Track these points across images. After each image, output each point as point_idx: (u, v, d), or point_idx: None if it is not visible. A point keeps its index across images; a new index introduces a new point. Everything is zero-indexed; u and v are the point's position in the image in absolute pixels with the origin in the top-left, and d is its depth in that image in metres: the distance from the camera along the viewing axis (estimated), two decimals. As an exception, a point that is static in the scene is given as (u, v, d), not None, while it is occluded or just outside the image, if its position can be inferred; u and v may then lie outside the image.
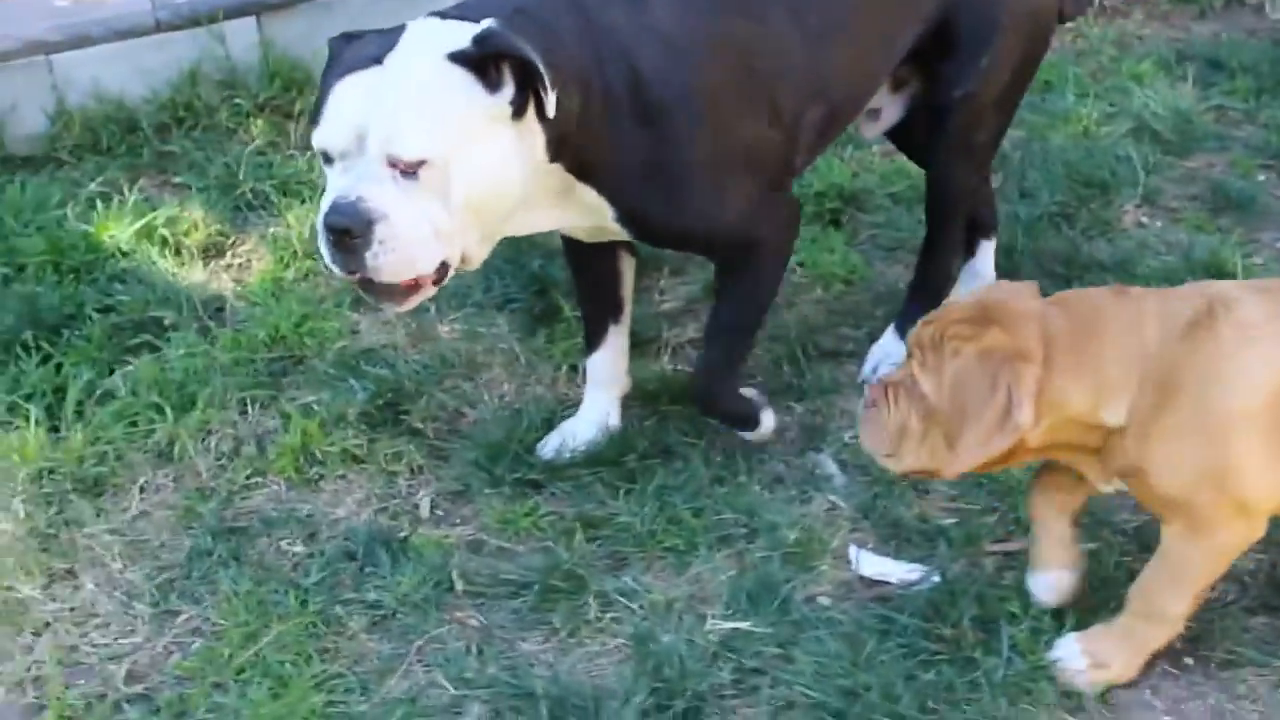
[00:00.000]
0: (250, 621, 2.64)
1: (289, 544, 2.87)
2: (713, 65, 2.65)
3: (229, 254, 3.82)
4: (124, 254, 3.74)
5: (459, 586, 2.73)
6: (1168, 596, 2.40)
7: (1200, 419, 2.22)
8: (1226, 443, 2.23)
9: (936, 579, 2.70)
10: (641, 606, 2.66)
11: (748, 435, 3.04)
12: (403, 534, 2.87)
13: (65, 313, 3.52)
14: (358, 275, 2.45)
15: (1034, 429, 2.27)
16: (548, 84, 2.38)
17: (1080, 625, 2.53)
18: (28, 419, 3.17)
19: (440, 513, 2.95)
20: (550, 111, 2.42)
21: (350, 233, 2.37)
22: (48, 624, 2.71)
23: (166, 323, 3.50)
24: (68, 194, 3.97)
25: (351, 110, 2.39)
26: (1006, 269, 3.57)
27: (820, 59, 2.79)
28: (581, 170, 2.61)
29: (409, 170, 2.36)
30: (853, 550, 2.79)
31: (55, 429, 3.18)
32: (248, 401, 3.22)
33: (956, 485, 2.88)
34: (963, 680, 2.46)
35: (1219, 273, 3.39)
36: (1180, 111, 4.19)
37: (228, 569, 2.78)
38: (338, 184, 2.42)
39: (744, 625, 2.61)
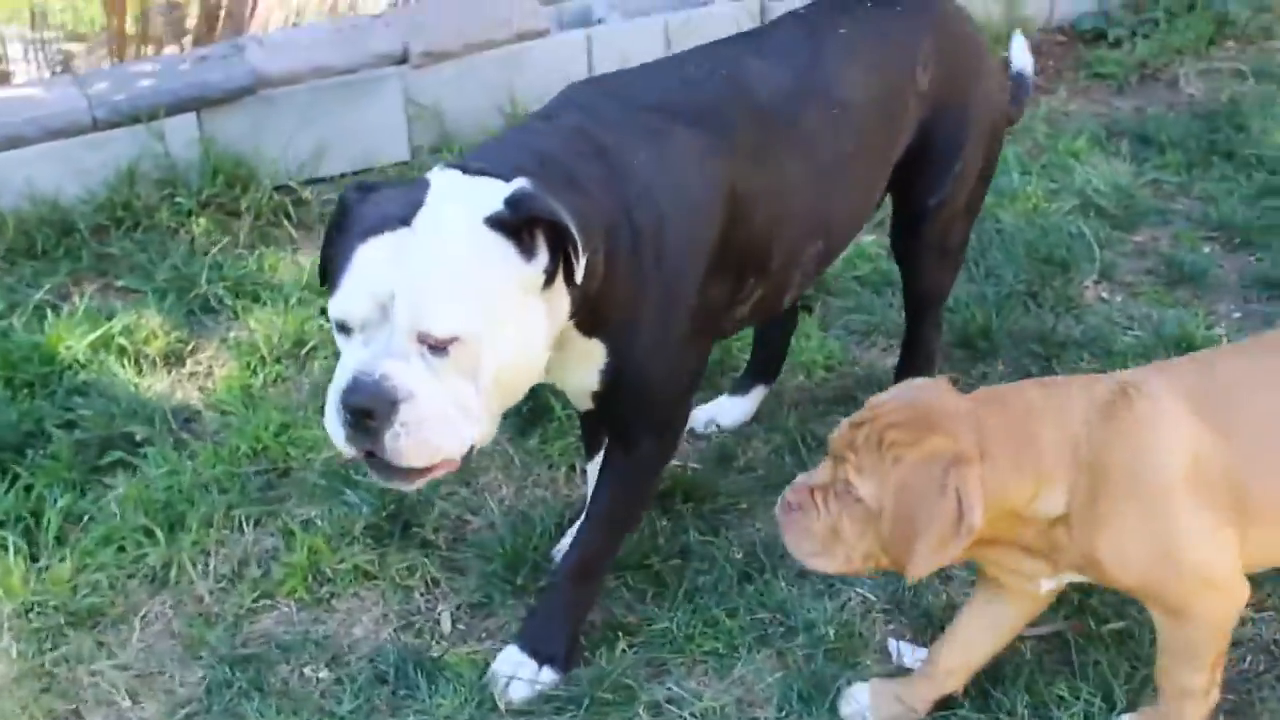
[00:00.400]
0: (287, 757, 2.51)
1: (312, 670, 2.74)
2: (723, 216, 2.58)
3: (190, 361, 3.66)
4: (81, 365, 3.56)
5: (502, 705, 2.63)
6: (1184, 674, 2.42)
7: (1135, 494, 2.27)
8: (1166, 514, 2.28)
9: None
10: (693, 714, 2.60)
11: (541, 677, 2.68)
12: (434, 653, 2.76)
13: (24, 430, 3.33)
14: (365, 452, 2.27)
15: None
16: (579, 250, 2.26)
17: (1130, 705, 2.56)
18: (4, 548, 2.98)
19: (462, 627, 2.85)
20: (579, 279, 2.30)
21: (371, 414, 2.20)
22: (62, 771, 2.54)
23: (138, 438, 3.34)
24: (9, 302, 3.78)
25: (376, 278, 2.20)
26: (986, 350, 3.63)
27: (826, 196, 2.80)
28: (592, 324, 2.46)
29: (439, 347, 2.20)
30: (892, 644, 2.78)
31: (34, 557, 2.99)
32: (242, 520, 3.08)
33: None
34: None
35: (1189, 346, 3.49)
36: (1120, 187, 4.33)
37: (251, 700, 2.64)
38: (358, 357, 2.23)
39: (798, 727, 2.57)
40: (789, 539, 2.40)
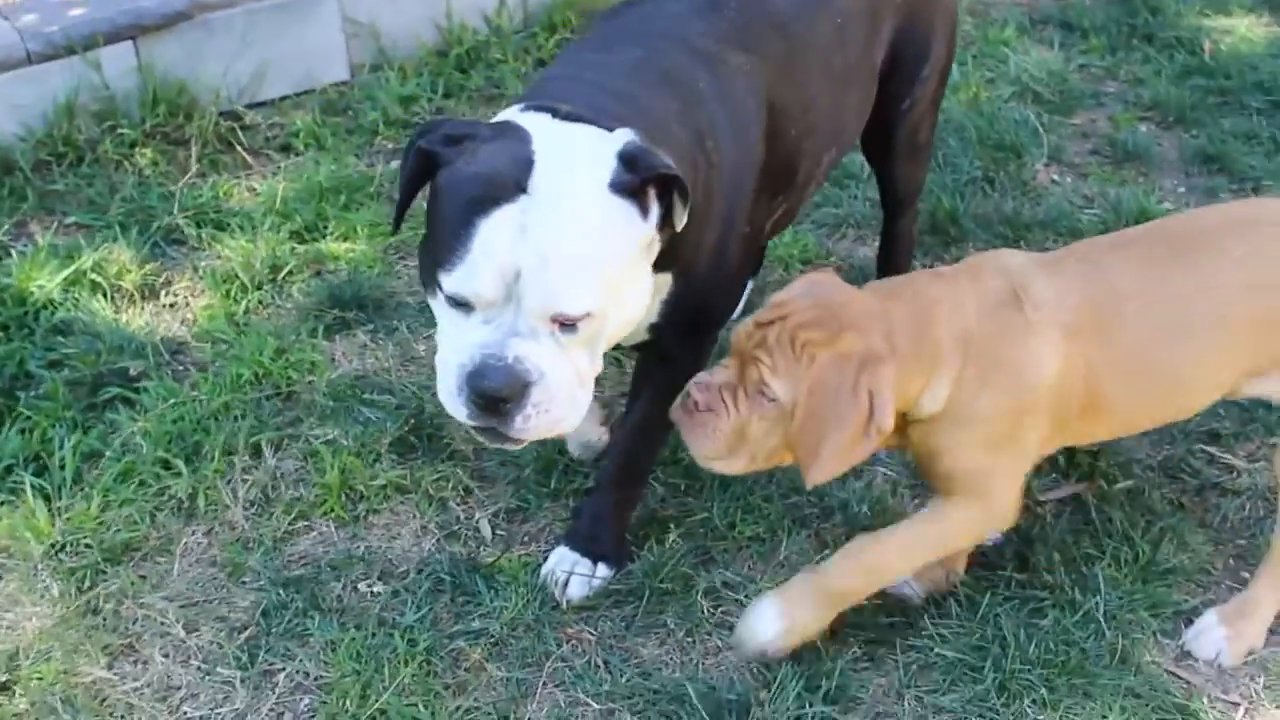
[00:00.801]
0: (361, 670, 2.53)
1: (366, 585, 2.75)
2: (767, 135, 2.60)
3: (165, 294, 3.58)
4: (56, 304, 3.46)
5: (563, 602, 2.68)
6: (898, 560, 2.49)
7: (1013, 390, 2.35)
8: (1033, 413, 2.38)
9: (999, 536, 2.82)
10: (748, 597, 2.68)
11: (588, 574, 2.72)
12: (483, 559, 2.79)
13: (9, 373, 3.24)
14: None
15: None
16: (687, 198, 2.22)
17: (1151, 556, 2.72)
18: (18, 492, 2.91)
19: (503, 533, 2.88)
20: (680, 224, 2.26)
21: (505, 399, 2.17)
22: (130, 705, 2.52)
23: (132, 372, 3.27)
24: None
25: (502, 255, 2.10)
26: (956, 235, 3.75)
27: (840, 105, 2.85)
28: (664, 260, 2.37)
29: (569, 324, 2.17)
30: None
31: (48, 497, 2.93)
32: (261, 445, 3.05)
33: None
34: (1072, 620, 2.60)
35: (1147, 218, 3.64)
36: (1053, 72, 4.47)
37: (310, 618, 2.65)
38: (482, 337, 2.16)
39: (854, 601, 2.68)
40: (692, 441, 2.35)
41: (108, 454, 3.02)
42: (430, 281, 2.25)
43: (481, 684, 2.54)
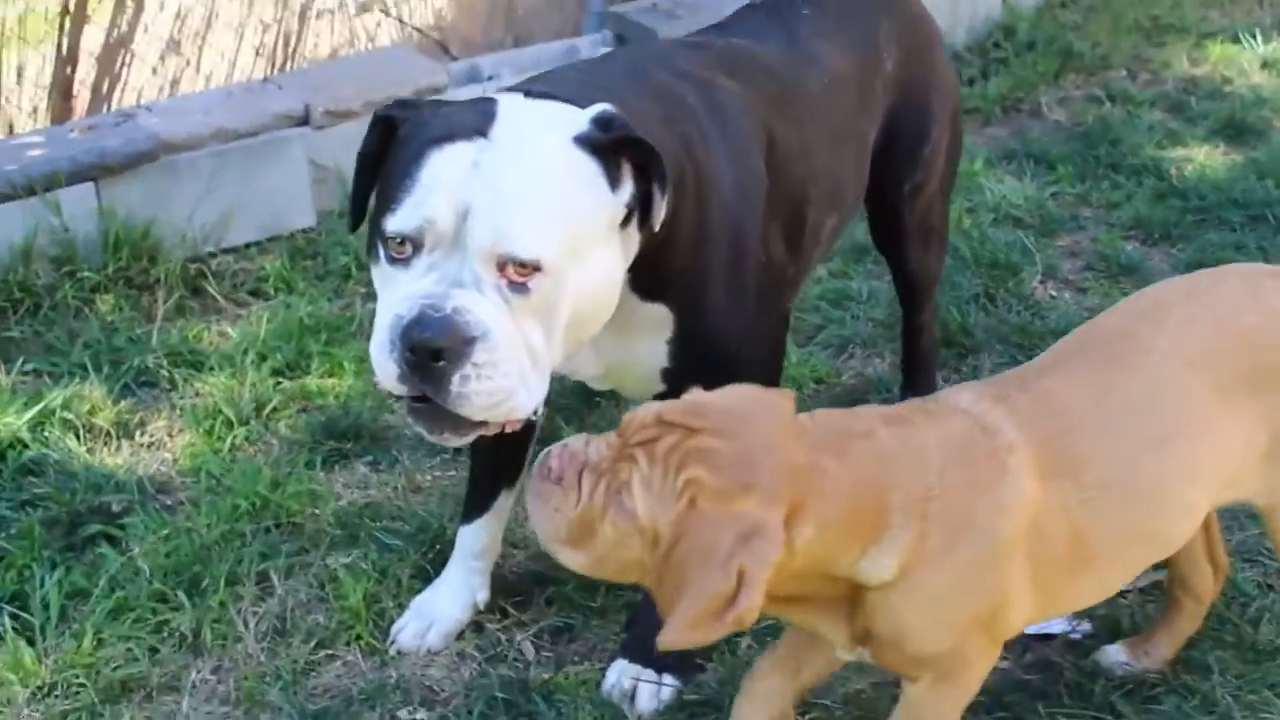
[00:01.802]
0: (418, 801, 2.22)
1: (408, 712, 2.45)
2: (767, 161, 2.48)
3: (140, 434, 3.29)
4: (24, 444, 3.16)
5: (634, 718, 2.40)
6: None
7: (984, 552, 1.99)
8: (999, 580, 2.02)
9: (1088, 627, 2.64)
10: (834, 704, 2.43)
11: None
12: (533, 680, 2.51)
13: (-21, 511, 2.93)
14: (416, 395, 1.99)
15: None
16: (665, 184, 2.07)
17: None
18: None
19: (549, 654, 2.61)
20: (659, 222, 2.09)
21: (440, 353, 1.92)
22: None
23: (115, 508, 2.97)
24: (-89, 392, 3.34)
25: (454, 186, 1.93)
26: (971, 347, 3.65)
27: (837, 165, 2.74)
28: (654, 285, 2.23)
29: (519, 278, 1.95)
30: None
31: (30, 640, 2.59)
32: (270, 573, 2.75)
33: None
34: (1192, 705, 2.41)
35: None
36: (1030, 198, 4.46)
37: (345, 751, 2.34)
38: (422, 286, 1.95)
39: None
40: (535, 513, 1.93)
41: (95, 591, 2.70)
42: (374, 243, 2.05)
43: (555, 810, 2.24)
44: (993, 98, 5.26)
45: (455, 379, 1.93)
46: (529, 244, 1.94)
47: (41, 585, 2.69)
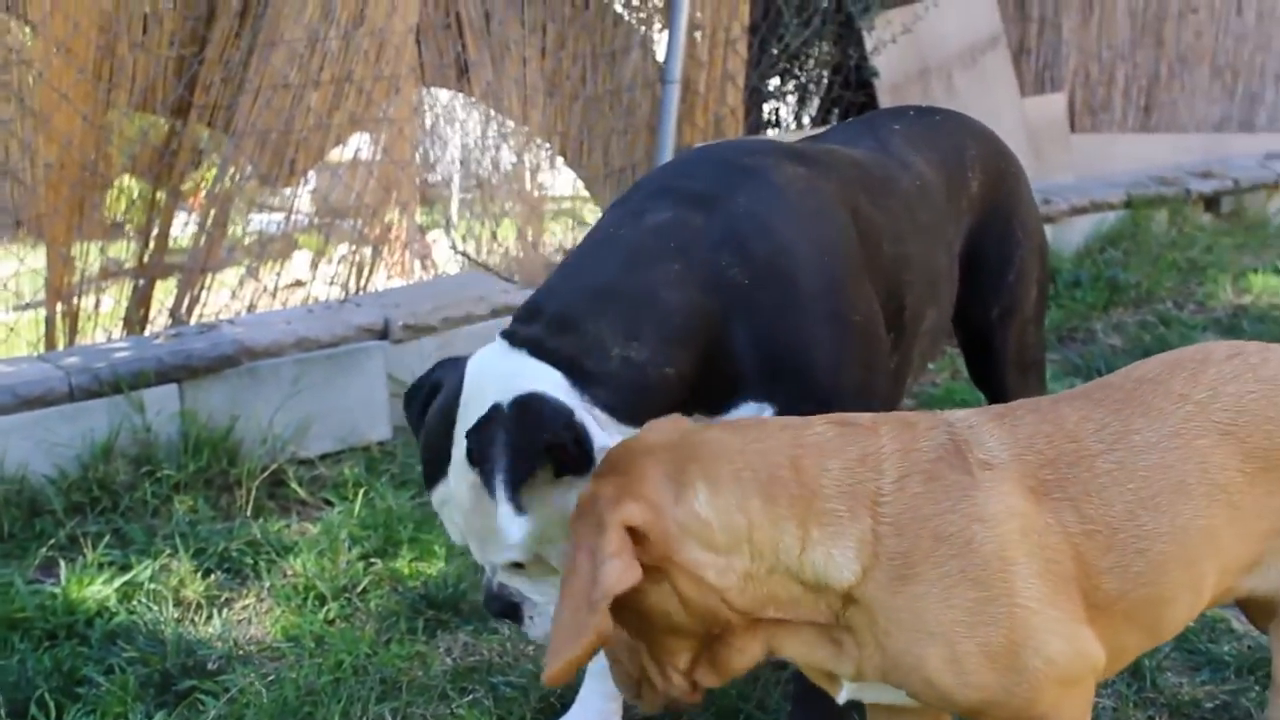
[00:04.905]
0: None
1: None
2: (851, 227, 2.44)
3: (228, 611, 3.16)
4: (112, 612, 3.03)
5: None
6: None
7: (965, 574, 1.83)
8: (1009, 600, 1.84)
9: None
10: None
11: None
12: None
13: (63, 675, 2.77)
14: None
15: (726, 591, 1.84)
16: (589, 455, 2.08)
17: None
18: (95, 778, 2.39)
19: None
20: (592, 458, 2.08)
21: (507, 615, 2.27)
22: None
23: (210, 667, 2.82)
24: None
25: (450, 526, 2.26)
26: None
27: (931, 258, 2.72)
28: (722, 392, 2.26)
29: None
30: None
31: (131, 786, 2.41)
32: (385, 715, 2.58)
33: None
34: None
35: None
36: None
37: None
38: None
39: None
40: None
41: (198, 739, 2.54)
42: None
43: None
44: (1047, 328, 5.32)
45: (527, 623, 2.24)
46: (501, 558, 2.16)
47: (142, 731, 2.53)
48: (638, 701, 2.00)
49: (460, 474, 2.10)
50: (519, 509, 2.03)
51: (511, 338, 2.16)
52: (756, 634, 1.89)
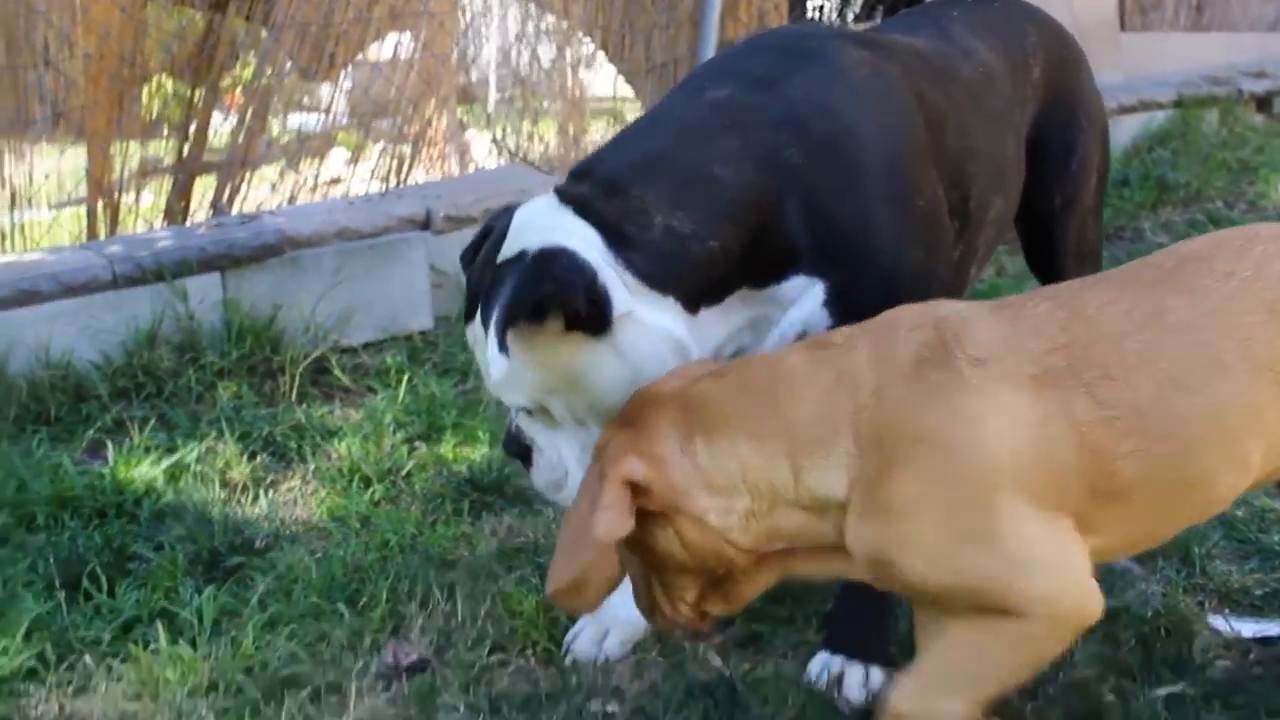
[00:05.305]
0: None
1: (598, 704, 2.26)
2: (916, 111, 2.39)
3: (273, 492, 3.18)
4: (159, 492, 3.05)
5: (844, 707, 2.21)
6: (952, 694, 1.86)
7: (944, 467, 1.81)
8: (986, 488, 1.80)
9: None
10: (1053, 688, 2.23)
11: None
12: (726, 679, 2.32)
13: (112, 551, 2.80)
14: None
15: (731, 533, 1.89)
16: (594, 306, 2.05)
17: None
18: (143, 644, 2.42)
19: (736, 662, 2.42)
20: (611, 317, 2.07)
21: (520, 457, 2.27)
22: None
23: (258, 545, 2.84)
24: (31, 461, 3.22)
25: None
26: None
27: (998, 147, 2.66)
28: (776, 267, 2.20)
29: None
30: (1217, 620, 2.50)
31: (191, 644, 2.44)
32: (432, 591, 2.60)
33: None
34: None
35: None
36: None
37: (540, 740, 2.14)
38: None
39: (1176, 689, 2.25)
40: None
41: (245, 610, 2.55)
42: None
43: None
44: (1095, 227, 5.26)
45: (532, 468, 2.26)
46: (512, 402, 2.18)
47: (190, 601, 2.55)
48: (653, 624, 2.09)
49: (480, 313, 2.12)
50: (501, 348, 2.03)
51: (561, 194, 2.14)
52: (764, 566, 1.94)
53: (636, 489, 1.85)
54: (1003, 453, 1.80)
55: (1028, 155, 2.84)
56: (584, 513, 1.85)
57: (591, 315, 2.03)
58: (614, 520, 1.82)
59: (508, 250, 2.10)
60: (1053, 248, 3.00)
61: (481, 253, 2.20)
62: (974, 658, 1.86)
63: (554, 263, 2.03)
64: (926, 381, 1.83)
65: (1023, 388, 1.82)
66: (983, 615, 1.83)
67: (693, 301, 2.12)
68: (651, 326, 2.07)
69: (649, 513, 1.87)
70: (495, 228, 2.20)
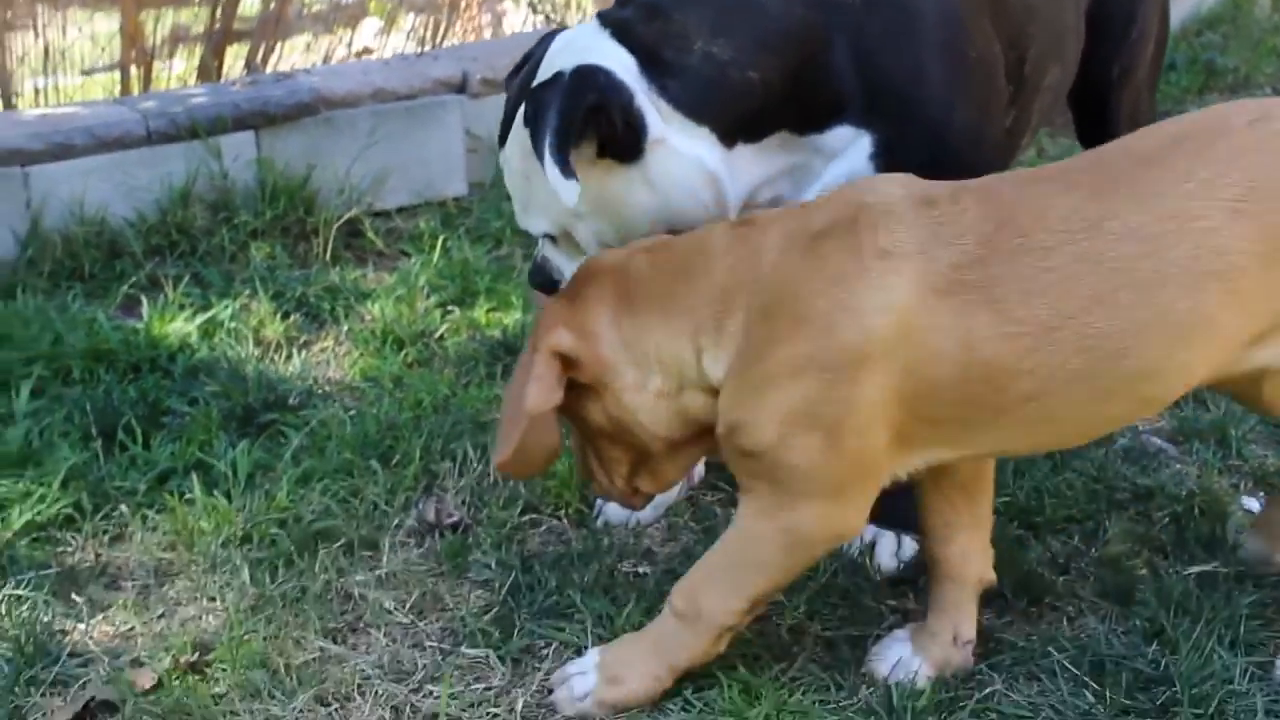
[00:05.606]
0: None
1: (630, 564, 2.27)
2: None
3: (307, 352, 3.18)
4: (194, 348, 3.06)
5: (875, 571, 2.22)
6: (715, 592, 1.89)
7: (820, 350, 1.75)
8: (852, 382, 1.74)
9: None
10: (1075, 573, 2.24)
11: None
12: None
13: (147, 404, 2.81)
14: None
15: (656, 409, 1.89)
16: (630, 116, 1.99)
17: None
18: (178, 495, 2.44)
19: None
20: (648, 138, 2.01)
21: (545, 289, 2.20)
22: (360, 684, 1.99)
23: (292, 402, 2.85)
24: (66, 315, 3.22)
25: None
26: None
27: (1057, 14, 2.57)
28: (822, 114, 2.11)
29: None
30: (1251, 502, 2.50)
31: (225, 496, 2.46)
32: (466, 449, 2.61)
33: None
34: None
35: None
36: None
37: (571, 595, 2.16)
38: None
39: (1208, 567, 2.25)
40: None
41: (279, 465, 2.57)
42: None
43: (805, 648, 2.04)
44: (1141, 109, 5.15)
45: None
46: (534, 228, 2.15)
47: (225, 454, 2.57)
48: (595, 492, 2.15)
49: (516, 136, 2.06)
50: (566, 174, 1.92)
51: (602, 18, 2.09)
52: (685, 450, 1.97)
53: (567, 361, 1.86)
54: (877, 354, 1.74)
55: (1087, 25, 2.77)
56: (519, 383, 1.88)
57: (625, 140, 1.99)
58: (542, 392, 1.84)
59: (544, 72, 2.05)
60: (1106, 117, 2.92)
61: (519, 76, 2.16)
62: (739, 562, 1.89)
63: (591, 79, 1.97)
64: (825, 260, 1.77)
65: (922, 293, 1.74)
66: (757, 518, 1.86)
67: (729, 135, 2.05)
68: (684, 155, 2.02)
69: (582, 385, 1.89)
70: (535, 53, 2.15)
